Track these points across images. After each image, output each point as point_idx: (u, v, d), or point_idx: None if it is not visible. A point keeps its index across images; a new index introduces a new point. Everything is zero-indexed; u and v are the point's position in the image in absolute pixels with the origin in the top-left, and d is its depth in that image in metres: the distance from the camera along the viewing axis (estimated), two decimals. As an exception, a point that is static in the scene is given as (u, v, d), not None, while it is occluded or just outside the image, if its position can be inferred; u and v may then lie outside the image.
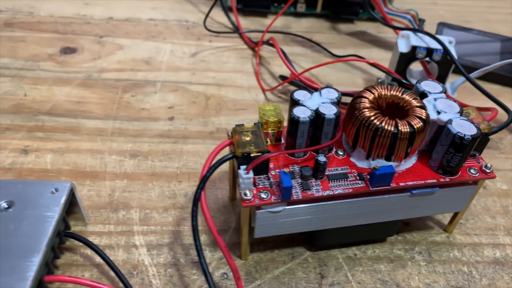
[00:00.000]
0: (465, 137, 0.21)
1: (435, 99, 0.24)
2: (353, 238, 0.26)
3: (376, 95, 0.23)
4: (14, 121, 0.33)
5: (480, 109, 0.27)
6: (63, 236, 0.24)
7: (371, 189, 0.22)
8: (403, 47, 0.34)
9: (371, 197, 0.23)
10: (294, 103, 0.23)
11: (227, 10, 0.47)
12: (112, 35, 0.43)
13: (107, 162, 0.30)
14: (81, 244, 0.24)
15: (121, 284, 0.23)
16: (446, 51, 0.33)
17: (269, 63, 0.41)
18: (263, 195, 0.22)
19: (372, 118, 0.22)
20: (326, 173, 0.23)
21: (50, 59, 0.39)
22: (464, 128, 0.22)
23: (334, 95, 0.24)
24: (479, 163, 0.24)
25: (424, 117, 0.22)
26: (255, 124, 0.23)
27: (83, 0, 0.48)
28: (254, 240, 0.26)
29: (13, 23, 0.44)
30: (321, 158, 0.22)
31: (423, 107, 0.23)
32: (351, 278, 0.25)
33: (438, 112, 0.23)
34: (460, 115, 0.23)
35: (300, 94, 0.23)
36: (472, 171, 0.24)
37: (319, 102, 0.23)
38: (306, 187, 0.22)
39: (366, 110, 0.22)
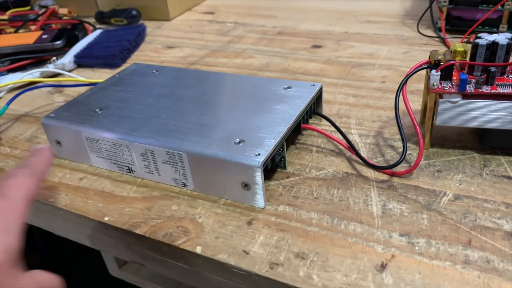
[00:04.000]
0: None
1: None
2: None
3: (544, 35, 0.33)
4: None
5: None
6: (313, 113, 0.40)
7: (530, 92, 0.31)
8: None
9: (530, 101, 0.32)
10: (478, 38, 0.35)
11: (436, 28, 0.60)
12: (347, 40, 0.61)
13: (336, 96, 0.46)
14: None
15: (341, 147, 0.37)
16: None
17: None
18: (445, 86, 0.33)
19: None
20: (496, 84, 0.33)
21: (304, 50, 0.59)
22: None
23: (509, 36, 0.34)
24: None
25: None
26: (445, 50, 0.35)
27: (328, 22, 0.69)
28: (435, 140, 0.37)
29: (283, 32, 0.66)
30: (492, 68, 0.32)
31: None
32: (509, 169, 0.33)
33: None
34: None
35: (483, 35, 0.35)
36: None
37: (496, 37, 0.34)
38: (478, 86, 0.33)
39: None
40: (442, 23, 0.59)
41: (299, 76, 0.52)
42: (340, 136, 0.38)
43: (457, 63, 0.35)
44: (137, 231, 0.31)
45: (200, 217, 0.32)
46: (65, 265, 0.78)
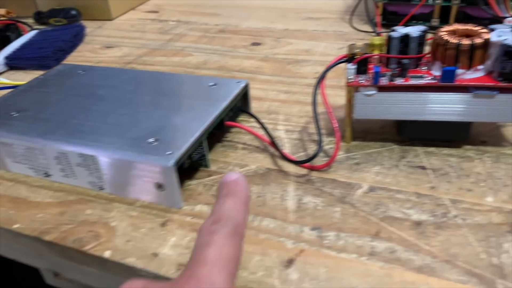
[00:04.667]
0: (508, 45, 0.30)
1: (501, 31, 0.32)
2: (430, 135, 0.35)
3: (453, 28, 0.34)
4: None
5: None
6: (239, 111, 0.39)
7: (439, 83, 0.32)
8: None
9: (440, 93, 0.32)
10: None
11: (372, 23, 0.61)
12: (286, 37, 0.61)
13: (269, 93, 0.46)
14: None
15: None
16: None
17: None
18: (360, 79, 0.34)
19: (443, 35, 0.32)
20: (409, 76, 0.33)
21: (243, 47, 0.59)
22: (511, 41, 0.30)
23: (422, 28, 0.35)
24: (538, 79, 0.31)
25: (484, 37, 0.31)
26: (363, 44, 0.36)
27: (270, 20, 0.69)
28: (358, 134, 0.37)
29: (225, 30, 0.66)
30: (404, 61, 0.33)
31: (486, 32, 0.32)
32: (425, 160, 0.34)
33: (499, 36, 0.32)
34: (518, 39, 0.31)
35: (397, 28, 0.35)
36: (529, 82, 0.31)
37: (409, 29, 0.34)
38: (392, 79, 0.33)
39: (441, 32, 0.33)
40: (377, 18, 0.60)
41: (235, 73, 0.51)
42: (265, 133, 0.38)
43: (376, 56, 0.35)
44: (46, 238, 0.30)
45: (113, 221, 0.31)
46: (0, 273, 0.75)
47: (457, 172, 0.32)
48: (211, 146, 0.37)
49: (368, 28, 0.62)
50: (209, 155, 0.36)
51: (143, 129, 0.33)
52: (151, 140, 0.32)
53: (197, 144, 0.33)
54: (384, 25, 0.61)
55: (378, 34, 0.58)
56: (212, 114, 0.35)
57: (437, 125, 0.34)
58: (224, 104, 0.36)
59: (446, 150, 0.35)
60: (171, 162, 0.29)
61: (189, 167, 0.34)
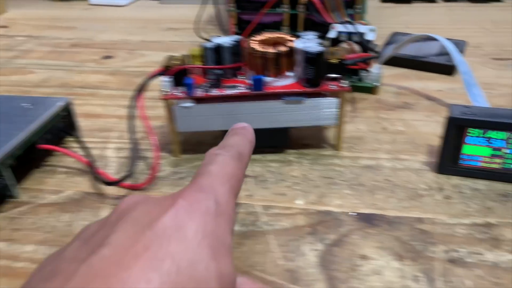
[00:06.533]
0: (309, 52, 0.31)
1: (306, 38, 0.34)
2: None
3: (264, 37, 0.34)
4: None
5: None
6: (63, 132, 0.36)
7: (250, 92, 0.32)
8: (331, 34, 0.45)
9: (252, 101, 0.33)
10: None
11: (226, 33, 0.61)
12: (141, 49, 0.59)
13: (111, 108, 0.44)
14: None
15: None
16: (360, 34, 0.42)
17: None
18: (176, 92, 0.33)
19: (252, 44, 0.33)
20: (224, 86, 0.33)
21: (93, 61, 0.56)
22: (312, 48, 0.32)
23: (235, 37, 0.35)
24: (340, 83, 0.33)
25: (288, 45, 0.32)
26: (183, 55, 0.35)
27: (128, 31, 0.66)
28: (191, 146, 0.36)
29: (78, 44, 0.62)
30: (217, 71, 0.33)
31: (292, 41, 0.33)
32: (248, 168, 0.34)
33: (303, 44, 0.33)
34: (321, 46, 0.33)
35: (213, 37, 0.35)
36: (331, 85, 0.33)
37: (223, 39, 0.34)
38: (208, 90, 0.33)
39: (252, 41, 0.33)
40: (231, 27, 0.61)
41: (76, 90, 0.48)
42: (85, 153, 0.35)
43: (185, 66, 0.34)
44: None
45: None
46: None
47: (275, 177, 0.33)
48: (25, 173, 0.34)
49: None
50: (19, 184, 0.33)
51: None
52: None
53: (-4, 173, 0.29)
54: (240, 34, 0.62)
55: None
56: (13, 138, 0.31)
57: (258, 133, 0.34)
58: (32, 126, 0.33)
59: (270, 156, 0.35)
60: (-50, 198, 0.26)
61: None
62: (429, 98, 0.43)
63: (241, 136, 0.23)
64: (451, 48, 0.39)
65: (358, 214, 0.29)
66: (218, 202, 0.17)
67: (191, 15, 0.73)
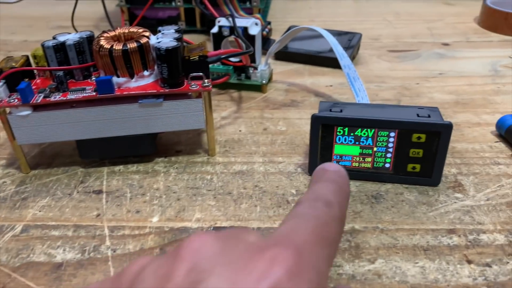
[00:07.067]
0: (160, 48, 0.28)
1: (163, 33, 0.30)
2: (114, 153, 0.31)
3: (117, 33, 0.30)
4: None
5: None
6: None
7: (98, 95, 0.28)
8: (214, 29, 0.41)
9: (102, 106, 0.29)
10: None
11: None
12: (22, 50, 0.53)
13: None
14: None
15: None
16: (235, 28, 0.39)
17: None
18: (10, 100, 0.28)
19: (100, 40, 0.29)
20: (70, 90, 0.29)
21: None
22: (164, 44, 0.28)
23: (85, 34, 0.30)
24: (203, 83, 0.30)
25: (140, 41, 0.29)
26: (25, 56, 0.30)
27: (11, 30, 0.60)
28: (45, 159, 0.32)
29: None
30: (59, 73, 0.28)
31: (147, 36, 0.29)
32: (105, 183, 0.30)
33: (157, 39, 0.29)
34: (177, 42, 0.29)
35: (58, 35, 0.31)
36: (193, 85, 0.29)
37: (68, 37, 0.30)
38: (47, 95, 0.28)
39: (101, 37, 0.29)
40: (122, 23, 0.56)
41: None
42: None
43: (20, 69, 0.29)
44: None
45: None
46: None
47: (134, 191, 0.29)
48: None
49: (116, 35, 0.57)
50: None
51: None
52: None
53: None
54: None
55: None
56: None
57: (116, 141, 0.30)
58: None
59: (134, 167, 0.31)
60: None
61: None
62: (318, 94, 0.41)
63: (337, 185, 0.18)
64: (332, 41, 0.37)
65: (215, 228, 0.26)
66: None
67: (90, 11, 0.67)
